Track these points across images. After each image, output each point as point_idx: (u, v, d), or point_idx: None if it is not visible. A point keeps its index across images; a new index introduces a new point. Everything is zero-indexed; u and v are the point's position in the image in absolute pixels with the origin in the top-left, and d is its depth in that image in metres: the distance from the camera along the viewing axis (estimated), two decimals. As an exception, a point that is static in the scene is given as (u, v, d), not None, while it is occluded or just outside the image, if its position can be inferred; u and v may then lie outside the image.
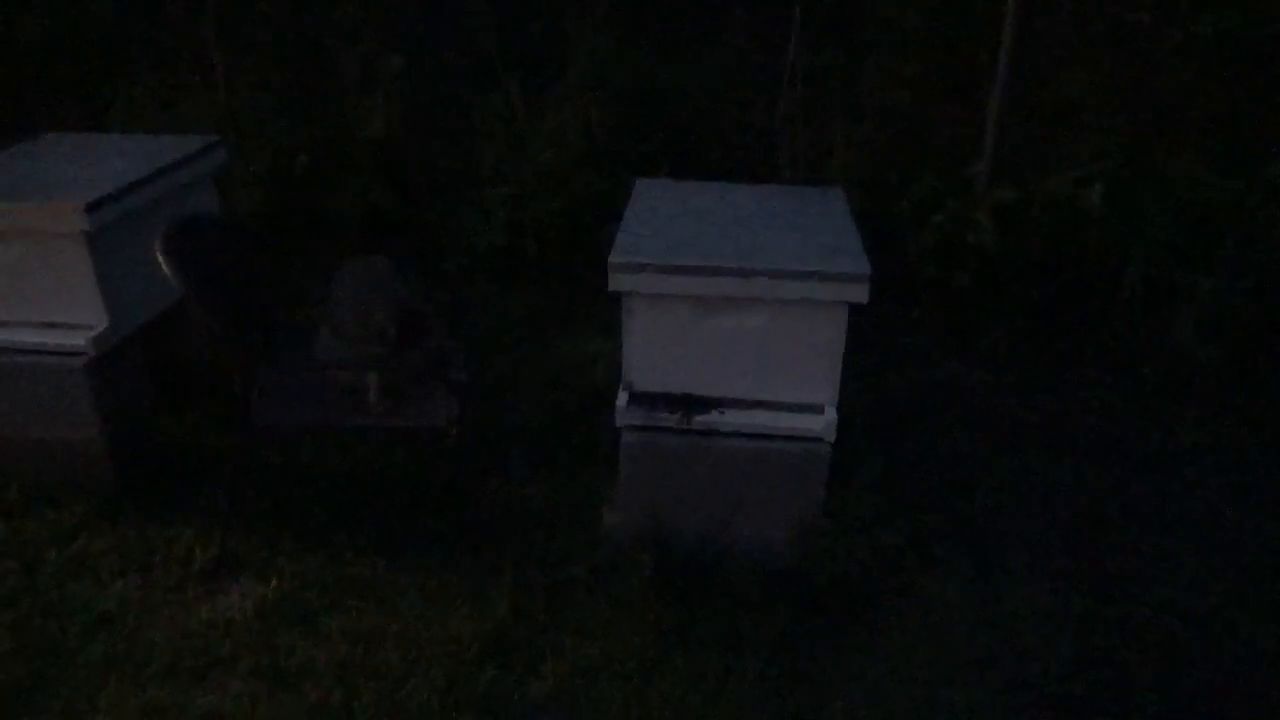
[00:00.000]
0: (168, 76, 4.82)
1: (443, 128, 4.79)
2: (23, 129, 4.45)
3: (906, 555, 2.68)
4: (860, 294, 2.33)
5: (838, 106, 4.37)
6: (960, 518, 2.90)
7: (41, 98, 4.96)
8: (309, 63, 4.82)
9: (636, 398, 2.50)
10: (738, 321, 2.41)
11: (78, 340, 2.71)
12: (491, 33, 4.74)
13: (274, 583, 2.58)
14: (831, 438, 2.45)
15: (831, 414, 2.46)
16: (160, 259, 2.36)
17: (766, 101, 4.53)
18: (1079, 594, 2.63)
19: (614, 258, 2.38)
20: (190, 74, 4.75)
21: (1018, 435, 3.33)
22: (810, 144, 4.37)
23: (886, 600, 2.57)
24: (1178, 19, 4.23)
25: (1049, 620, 2.54)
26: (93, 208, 2.61)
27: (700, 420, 2.47)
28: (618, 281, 2.38)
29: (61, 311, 2.74)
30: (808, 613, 2.51)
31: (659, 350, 2.47)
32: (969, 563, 2.72)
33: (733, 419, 2.47)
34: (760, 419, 2.47)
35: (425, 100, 4.80)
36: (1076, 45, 4.32)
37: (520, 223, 4.38)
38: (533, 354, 3.72)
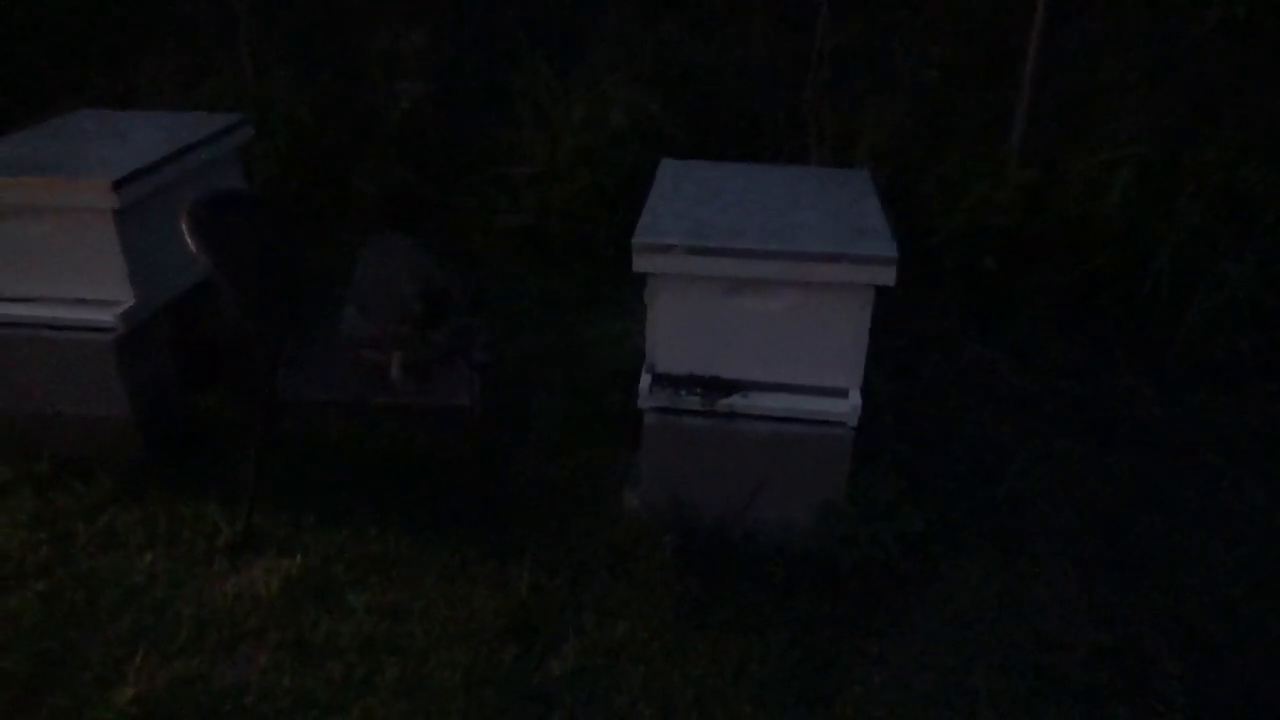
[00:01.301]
0: (194, 53, 4.82)
1: (467, 106, 4.77)
2: (50, 104, 4.49)
3: (930, 541, 2.67)
4: (887, 277, 2.30)
5: (865, 86, 4.32)
6: (984, 504, 2.88)
7: (69, 73, 4.98)
8: (334, 40, 4.81)
9: (660, 379, 2.49)
10: (762, 304, 2.40)
11: (106, 316, 2.73)
12: (517, 10, 4.72)
13: (298, 558, 2.60)
14: (855, 423, 2.44)
15: (856, 398, 2.44)
16: (186, 235, 2.37)
17: (793, 81, 4.48)
18: (1104, 582, 2.61)
19: (638, 239, 2.37)
20: (217, 50, 4.76)
21: (1043, 421, 3.30)
22: (837, 124, 4.33)
23: (909, 586, 2.56)
24: (1213, 1, 4.14)
25: (1073, 608, 2.52)
26: (120, 184, 2.63)
27: (723, 403, 2.46)
28: (641, 263, 2.37)
29: (90, 287, 2.77)
30: (830, 597, 2.51)
31: (682, 332, 2.46)
32: (993, 549, 2.70)
33: (756, 402, 2.46)
34: (783, 402, 2.46)
35: (450, 78, 4.79)
36: (1110, 26, 4.24)
37: (545, 202, 4.37)
38: (555, 334, 3.72)
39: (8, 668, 2.25)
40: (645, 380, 2.48)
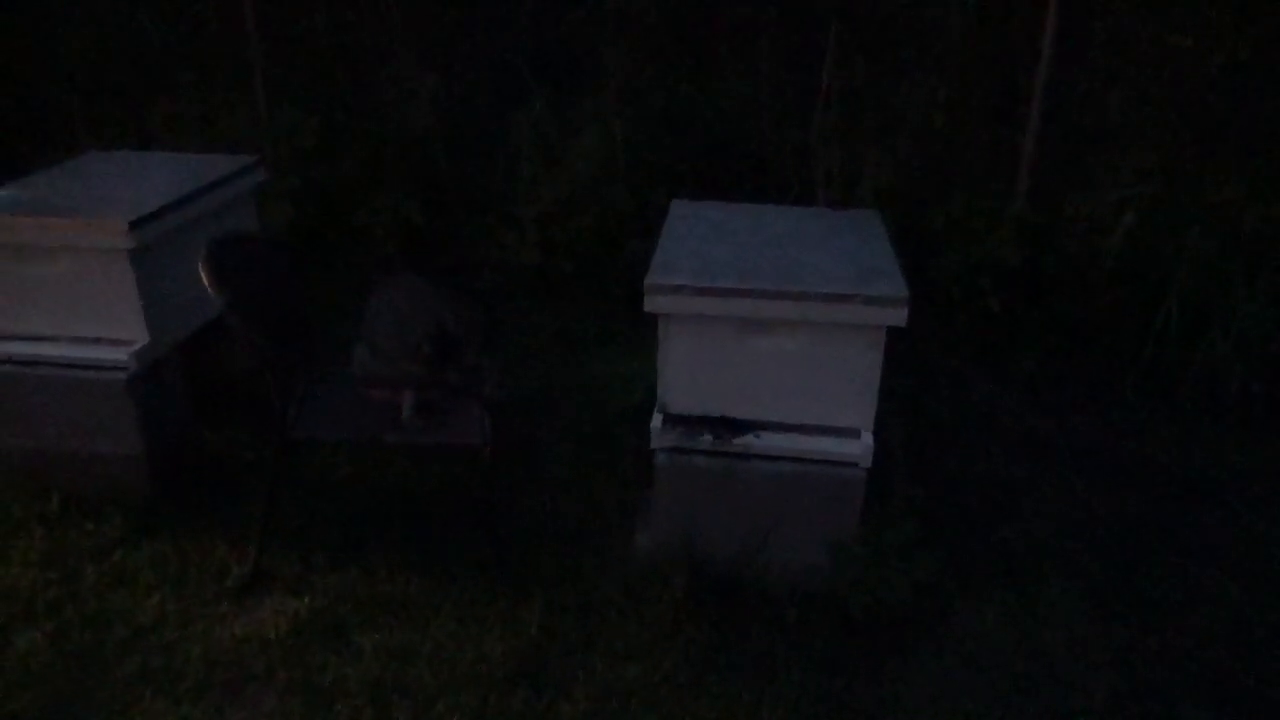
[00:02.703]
0: (209, 93, 4.89)
1: (476, 144, 4.82)
2: (67, 145, 4.55)
3: (944, 582, 2.65)
4: (899, 317, 2.31)
5: (871, 125, 4.36)
6: (998, 544, 2.86)
7: (86, 114, 5.05)
8: (346, 79, 4.88)
9: (671, 419, 2.49)
10: (774, 344, 2.40)
11: (120, 355, 2.75)
12: (525, 50, 4.78)
13: (307, 599, 2.59)
14: (868, 463, 2.43)
15: (868, 439, 2.44)
16: (203, 275, 2.38)
17: (799, 120, 4.53)
18: (1121, 623, 2.58)
19: (650, 279, 2.38)
20: (231, 90, 4.82)
21: (1055, 460, 3.28)
22: (843, 163, 4.36)
23: (923, 628, 2.54)
24: (1220, 42, 4.18)
25: (1090, 650, 2.49)
26: (136, 225, 2.66)
27: (735, 443, 2.46)
28: (654, 303, 2.38)
29: (104, 326, 2.78)
30: (843, 639, 2.49)
31: (694, 372, 2.46)
32: (1007, 590, 2.68)
33: (768, 442, 2.46)
34: (795, 443, 2.45)
35: (458, 117, 4.84)
36: (1117, 67, 4.29)
37: (553, 240, 4.40)
38: (565, 372, 3.73)
39: (17, 709, 2.23)
40: (657, 420, 2.48)
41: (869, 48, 4.39)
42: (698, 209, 2.89)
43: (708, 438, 2.46)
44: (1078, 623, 2.58)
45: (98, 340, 2.79)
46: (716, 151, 4.59)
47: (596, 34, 4.74)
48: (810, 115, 4.48)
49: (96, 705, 2.27)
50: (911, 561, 2.60)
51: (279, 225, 4.30)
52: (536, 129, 4.61)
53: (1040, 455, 3.30)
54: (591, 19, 4.78)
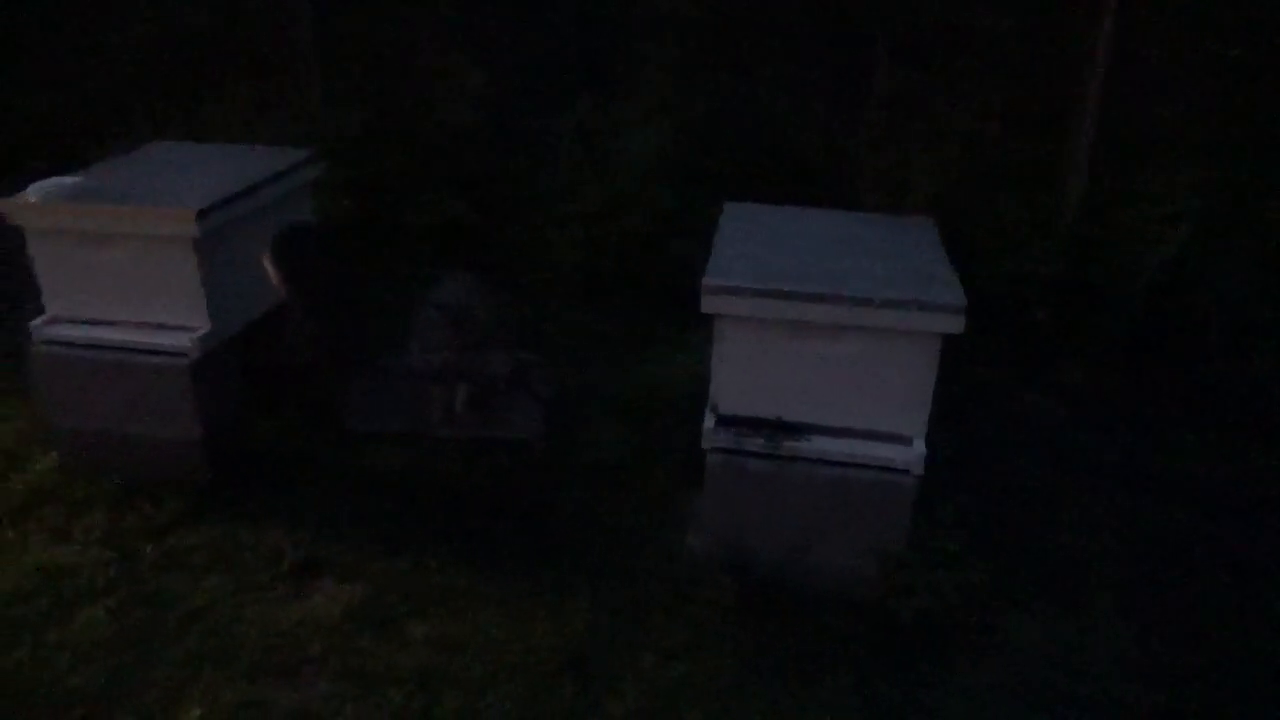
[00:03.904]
0: (261, 87, 4.96)
1: (522, 143, 4.86)
2: (122, 134, 4.64)
3: (989, 593, 2.64)
4: (955, 325, 2.31)
5: (920, 132, 4.35)
6: (1043, 556, 2.85)
7: (140, 104, 5.15)
8: (396, 76, 4.93)
9: (723, 420, 2.51)
10: (829, 348, 2.41)
11: (182, 341, 2.81)
12: (571, 51, 4.82)
13: (359, 586, 2.63)
14: (919, 471, 2.43)
15: (920, 446, 2.44)
16: (269, 266, 2.43)
17: (846, 125, 4.53)
18: (1165, 641, 2.56)
19: (707, 280, 2.40)
20: (283, 84, 4.90)
21: (1101, 473, 3.26)
22: (891, 170, 4.36)
23: (969, 638, 2.54)
24: (1273, 55, 4.14)
25: (1135, 667, 2.48)
26: (203, 215, 2.71)
27: (787, 446, 2.47)
28: (710, 304, 2.40)
29: (167, 313, 2.84)
30: (889, 646, 2.49)
31: (748, 374, 2.48)
32: (1052, 603, 2.67)
33: (820, 446, 2.47)
34: (848, 447, 2.46)
35: (506, 116, 4.88)
36: (1172, 79, 4.25)
37: (596, 240, 4.43)
38: (609, 370, 3.76)
39: (79, 684, 2.29)
40: (709, 420, 2.50)
41: (918, 54, 4.38)
42: (751, 211, 2.91)
43: (759, 440, 2.47)
44: (1122, 638, 2.57)
45: (161, 326, 2.85)
46: (761, 155, 4.61)
47: (644, 36, 4.77)
48: (857, 121, 4.48)
49: (154, 682, 2.32)
50: (958, 571, 2.60)
51: (331, 218, 4.36)
52: (582, 129, 4.64)
53: (1085, 468, 3.29)
54: (640, 21, 4.80)
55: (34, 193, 2.75)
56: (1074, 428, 3.53)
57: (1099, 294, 4.08)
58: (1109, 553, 2.89)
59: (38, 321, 2.90)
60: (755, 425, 2.49)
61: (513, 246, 4.60)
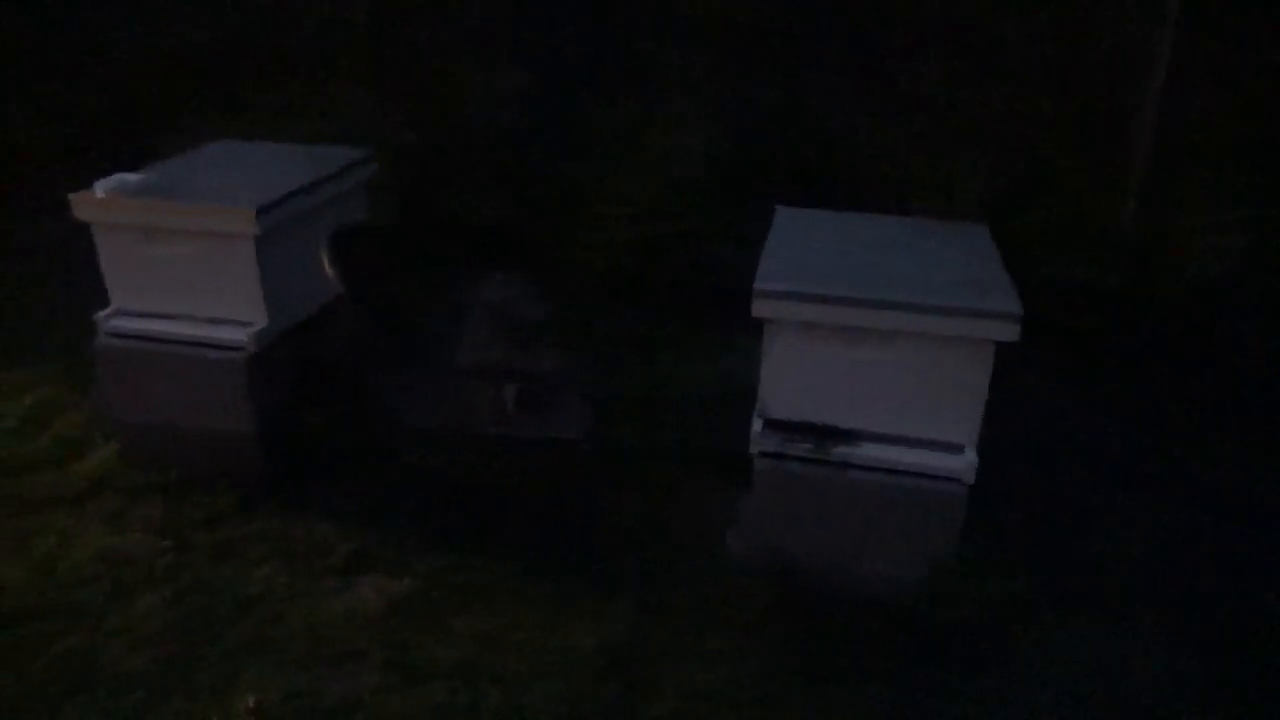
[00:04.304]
0: (310, 85, 5.05)
1: (565, 144, 4.89)
2: (178, 132, 4.75)
3: (1031, 604, 2.61)
4: (1011, 333, 2.29)
5: (970, 137, 4.30)
6: (1088, 568, 2.81)
7: (195, 102, 5.26)
8: (442, 75, 4.99)
9: (771, 424, 2.50)
10: (880, 354, 2.40)
11: (240, 336, 2.87)
12: (614, 53, 4.83)
13: (405, 580, 2.66)
14: (970, 480, 2.41)
15: (971, 455, 2.41)
16: (326, 263, 2.48)
17: (893, 128, 4.49)
18: (1208, 657, 2.50)
19: (759, 284, 2.39)
20: (332, 83, 4.98)
21: (1148, 485, 3.20)
22: (940, 174, 4.32)
23: (1012, 649, 2.50)
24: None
25: (1180, 684, 2.43)
26: (262, 212, 2.77)
27: (836, 451, 2.46)
28: (761, 308, 2.40)
29: (226, 308, 2.90)
30: (932, 655, 2.47)
31: (797, 378, 2.47)
32: (1097, 616, 2.62)
33: (869, 452, 2.45)
34: (897, 454, 2.44)
35: (549, 117, 4.92)
36: (1232, 84, 4.16)
37: (637, 242, 4.44)
38: (652, 372, 3.76)
39: (136, 668, 2.35)
40: (757, 425, 2.50)
41: (969, 56, 4.33)
42: (803, 216, 2.90)
43: (808, 445, 2.46)
44: (1164, 653, 2.52)
45: (219, 321, 2.91)
46: (808, 158, 4.59)
47: (690, 37, 4.77)
48: (906, 125, 4.45)
49: (208, 668, 2.37)
50: (1001, 580, 2.57)
51: (379, 217, 4.42)
52: (626, 130, 4.66)
53: (1130, 481, 3.22)
54: (686, 22, 4.81)
55: (100, 188, 2.83)
56: (1120, 438, 3.47)
57: (1151, 304, 4.01)
58: (1153, 564, 2.83)
59: (102, 314, 2.98)
60: (803, 430, 2.48)
61: (555, 247, 4.62)
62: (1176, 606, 2.67)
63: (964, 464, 2.40)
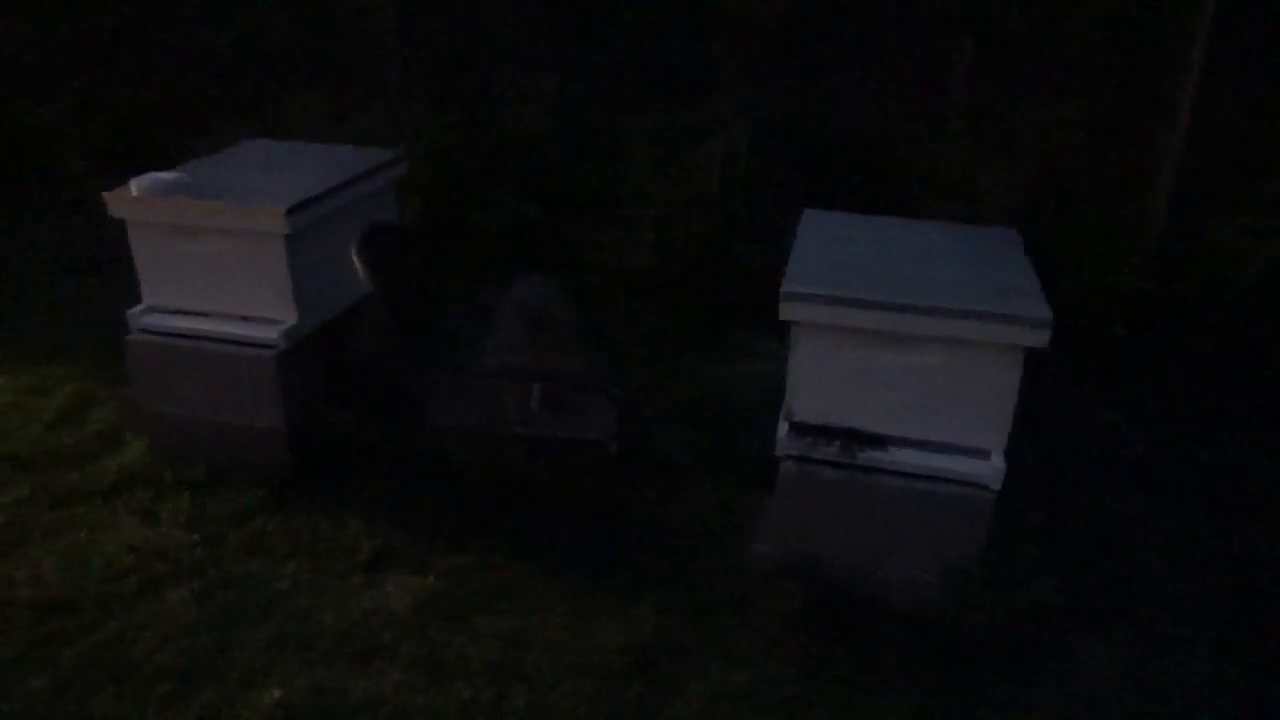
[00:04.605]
0: (339, 87, 5.09)
1: (594, 147, 4.90)
2: (207, 131, 4.80)
3: (1058, 612, 2.59)
4: (1040, 339, 2.27)
5: (999, 140, 4.28)
6: (1114, 576, 2.79)
7: (225, 103, 5.32)
8: (470, 78, 5.02)
9: (798, 428, 2.50)
10: (907, 359, 2.39)
11: (270, 334, 2.90)
12: (644, 57, 4.84)
13: (430, 578, 2.68)
14: (998, 486, 2.39)
15: (999, 461, 2.40)
16: (357, 262, 2.50)
17: (923, 133, 4.47)
18: (1239, 667, 2.48)
19: (786, 288, 2.39)
20: (361, 85, 5.02)
21: (1174, 493, 3.18)
22: (969, 178, 4.29)
23: (1036, 657, 2.49)
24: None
25: (1207, 693, 2.40)
26: (293, 212, 2.79)
27: (862, 455, 2.45)
28: (788, 311, 2.39)
29: (256, 306, 2.94)
30: (956, 662, 2.45)
31: (824, 382, 2.47)
32: (1124, 626, 2.61)
33: (896, 457, 2.44)
34: (924, 459, 2.43)
35: (578, 119, 4.93)
36: (1264, 94, 4.11)
37: (664, 244, 4.44)
38: (677, 374, 3.77)
39: (166, 661, 2.38)
40: (783, 428, 2.49)
41: (999, 62, 4.31)
42: (830, 219, 2.89)
43: (834, 448, 2.46)
44: (1197, 663, 2.49)
45: (249, 318, 2.94)
46: (834, 162, 4.57)
47: (720, 40, 4.77)
48: (934, 129, 4.43)
49: (235, 662, 2.40)
50: (1029, 588, 2.56)
51: (408, 217, 4.45)
52: (653, 133, 4.67)
53: (1162, 488, 3.20)
54: (716, 25, 4.81)
55: (135, 187, 2.86)
56: (1150, 446, 3.44)
57: (1182, 310, 3.97)
58: (1183, 574, 2.81)
59: (135, 310, 3.01)
60: (830, 434, 2.48)
61: (583, 248, 4.64)
62: (1209, 614, 2.65)
63: (991, 470, 2.39)
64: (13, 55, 5.43)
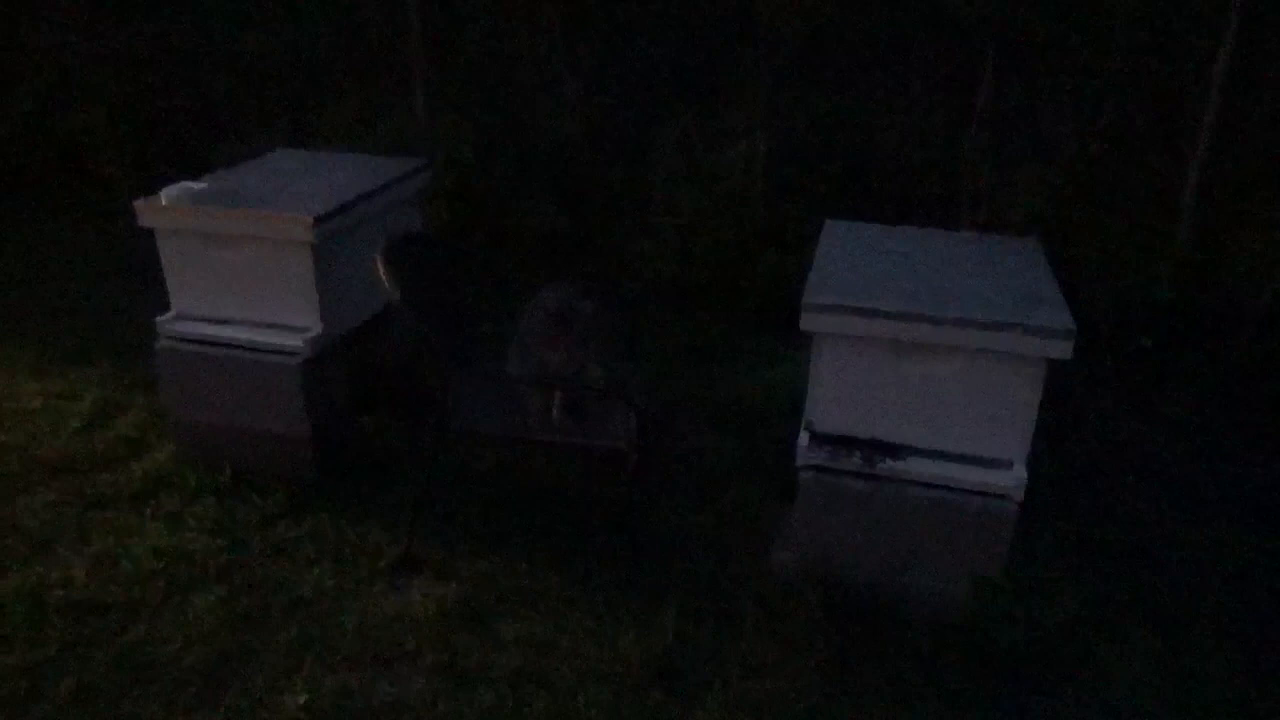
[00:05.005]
0: (369, 97, 5.15)
1: (620, 155, 4.93)
2: (238, 139, 4.87)
3: (1088, 624, 2.58)
4: (1064, 349, 2.26)
5: (1023, 150, 4.26)
6: (1145, 589, 2.77)
7: (255, 111, 5.39)
8: (499, 86, 5.06)
9: (818, 438, 2.50)
10: (929, 369, 2.39)
11: (295, 341, 2.93)
12: (672, 64, 4.86)
13: (453, 584, 2.70)
14: (1020, 496, 2.38)
15: (1021, 471, 2.39)
16: (380, 270, 2.53)
17: (946, 142, 4.46)
18: (1272, 678, 2.46)
19: (807, 297, 2.39)
20: (390, 94, 5.07)
21: (1206, 506, 3.15)
22: (994, 187, 4.28)
23: (1065, 669, 2.47)
24: None
25: (1244, 712, 2.38)
26: (319, 220, 2.83)
27: (883, 465, 2.45)
28: (809, 321, 2.40)
29: (281, 313, 2.97)
30: (981, 673, 2.44)
31: (845, 392, 2.47)
32: (1154, 638, 2.59)
33: (917, 467, 2.44)
34: (946, 470, 2.43)
35: (605, 127, 4.96)
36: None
37: (690, 251, 4.46)
38: (700, 381, 3.78)
39: (192, 664, 2.41)
40: (804, 437, 2.50)
41: (1024, 70, 4.29)
42: (852, 229, 2.89)
43: (855, 458, 2.46)
44: (1231, 680, 2.47)
45: (275, 325, 2.98)
46: (859, 171, 4.57)
47: (746, 49, 4.78)
48: (958, 137, 4.41)
49: (261, 666, 2.42)
50: (1055, 600, 2.54)
51: (435, 226, 4.49)
52: (680, 141, 4.68)
53: (1191, 501, 3.17)
54: (741, 34, 4.82)
55: (165, 196, 2.91)
56: (1178, 458, 3.41)
57: (1211, 320, 3.94)
58: (1213, 586, 2.79)
59: (163, 317, 3.06)
60: (850, 444, 2.48)
61: (608, 256, 4.66)
62: (1239, 627, 2.63)
63: (1014, 480, 2.38)
64: (53, 62, 5.52)
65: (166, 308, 3.08)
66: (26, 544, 2.81)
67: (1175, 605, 2.71)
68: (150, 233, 2.99)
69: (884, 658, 2.48)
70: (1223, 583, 2.80)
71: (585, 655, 2.48)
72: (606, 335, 2.87)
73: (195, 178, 3.05)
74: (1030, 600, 2.50)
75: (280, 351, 2.95)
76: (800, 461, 2.50)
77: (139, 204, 2.93)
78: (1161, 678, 2.47)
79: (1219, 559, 2.89)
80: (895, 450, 2.46)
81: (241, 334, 2.99)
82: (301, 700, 2.31)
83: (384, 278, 2.54)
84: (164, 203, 2.90)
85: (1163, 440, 3.53)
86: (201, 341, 3.02)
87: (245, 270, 2.95)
